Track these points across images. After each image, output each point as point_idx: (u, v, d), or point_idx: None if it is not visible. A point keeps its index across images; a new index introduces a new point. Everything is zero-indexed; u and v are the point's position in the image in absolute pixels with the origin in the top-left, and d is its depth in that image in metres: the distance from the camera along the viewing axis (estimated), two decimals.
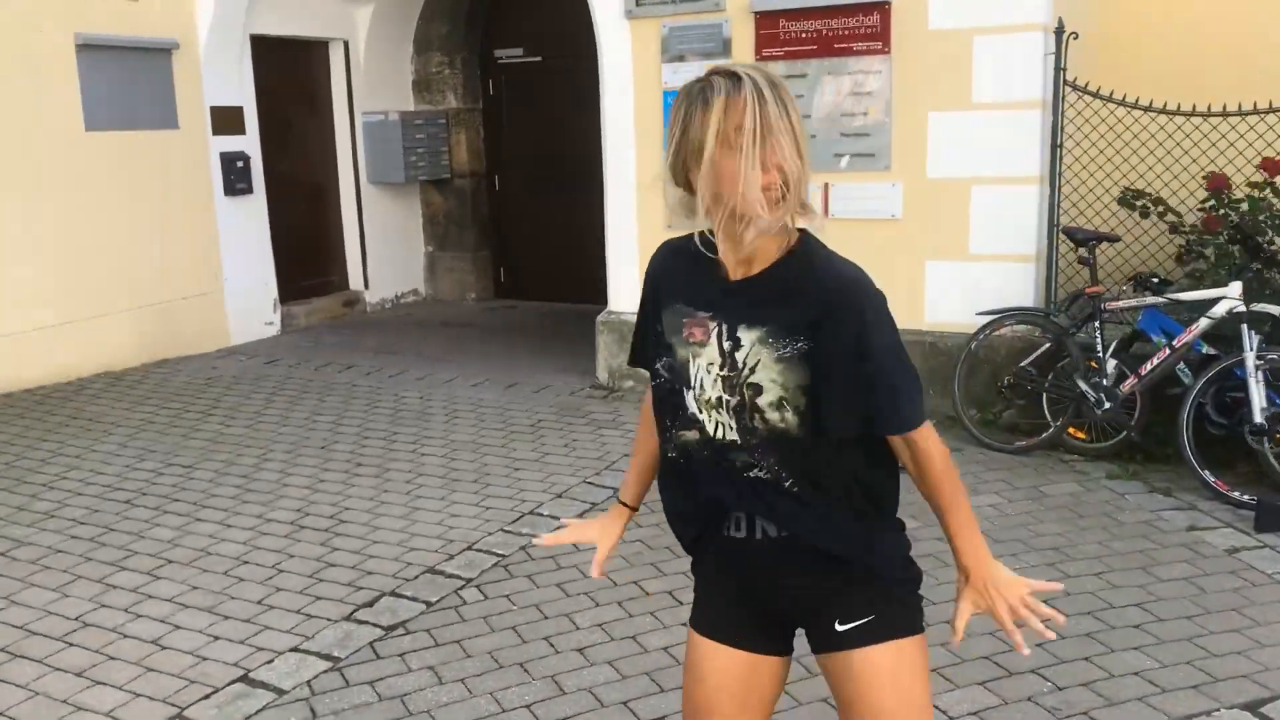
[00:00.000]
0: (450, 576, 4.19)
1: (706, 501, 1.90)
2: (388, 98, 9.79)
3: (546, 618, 3.84)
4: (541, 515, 4.79)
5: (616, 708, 3.25)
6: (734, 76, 1.69)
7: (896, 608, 1.88)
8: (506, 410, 6.48)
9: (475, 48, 10.09)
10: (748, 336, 1.78)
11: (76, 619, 3.88)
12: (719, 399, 1.81)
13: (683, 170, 1.76)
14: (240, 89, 8.42)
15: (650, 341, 1.95)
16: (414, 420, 6.32)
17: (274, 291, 8.84)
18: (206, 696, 3.36)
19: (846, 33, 5.91)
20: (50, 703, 3.34)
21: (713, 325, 1.81)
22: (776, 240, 1.77)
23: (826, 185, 6.09)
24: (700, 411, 1.83)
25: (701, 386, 1.82)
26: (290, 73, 9.06)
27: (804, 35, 6.01)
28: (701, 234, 1.81)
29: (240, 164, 8.38)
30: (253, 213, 8.58)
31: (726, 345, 1.79)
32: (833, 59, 5.98)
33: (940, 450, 1.82)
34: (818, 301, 1.75)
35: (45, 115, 7.12)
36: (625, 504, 2.20)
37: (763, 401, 1.78)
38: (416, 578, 4.18)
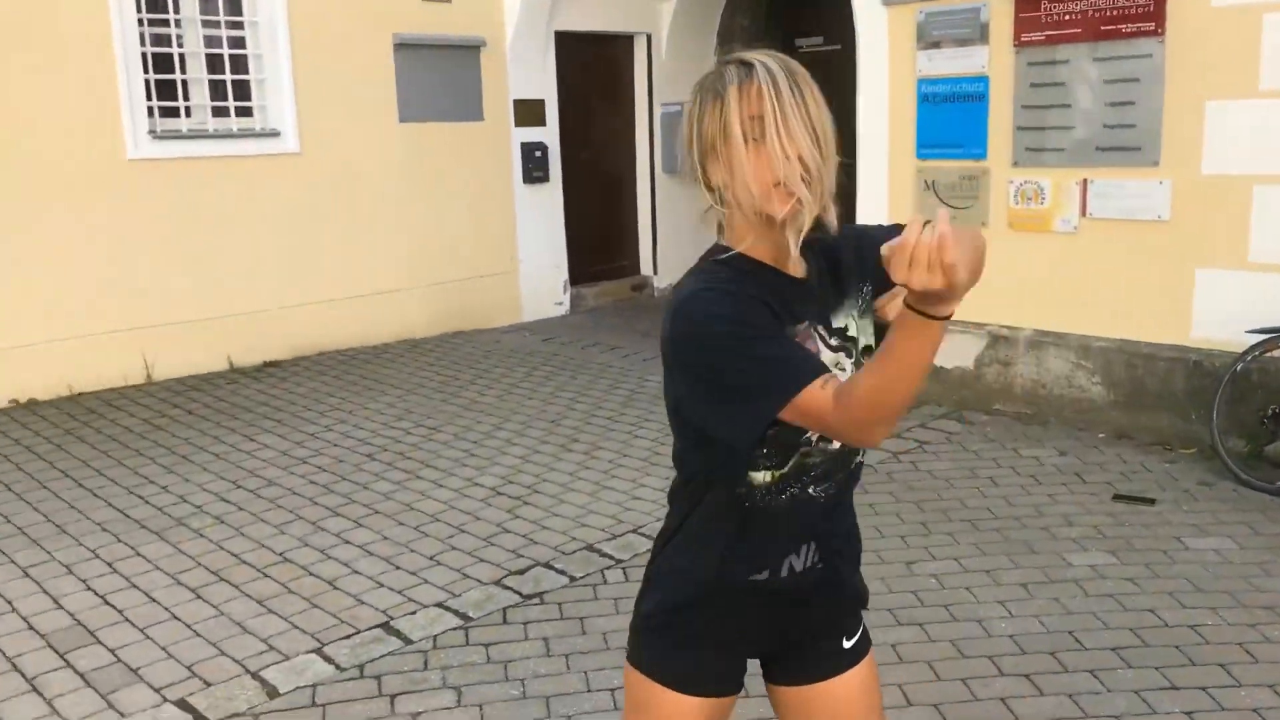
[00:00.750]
0: (604, 555, 4.33)
1: (785, 543, 1.76)
2: (688, 89, 10.00)
3: None
4: None
5: None
6: (746, 65, 1.62)
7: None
8: None
9: (777, 37, 10.07)
10: (841, 320, 1.73)
11: (280, 554, 4.42)
12: None
13: (701, 168, 1.69)
14: (543, 83, 9.00)
15: None
16: (645, 403, 6.51)
17: (565, 273, 9.39)
18: (347, 637, 3.72)
19: (1115, 13, 5.34)
20: (228, 624, 3.84)
21: (811, 330, 1.70)
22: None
23: (1085, 181, 5.55)
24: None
25: None
26: (592, 66, 9.54)
27: (1067, 18, 5.50)
28: (723, 257, 1.70)
29: (539, 154, 8.97)
30: (548, 199, 9.16)
31: (834, 341, 1.72)
32: (1097, 43, 5.44)
33: None
34: (863, 240, 1.76)
35: (364, 108, 8.00)
36: None
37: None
38: (573, 553, 4.36)
